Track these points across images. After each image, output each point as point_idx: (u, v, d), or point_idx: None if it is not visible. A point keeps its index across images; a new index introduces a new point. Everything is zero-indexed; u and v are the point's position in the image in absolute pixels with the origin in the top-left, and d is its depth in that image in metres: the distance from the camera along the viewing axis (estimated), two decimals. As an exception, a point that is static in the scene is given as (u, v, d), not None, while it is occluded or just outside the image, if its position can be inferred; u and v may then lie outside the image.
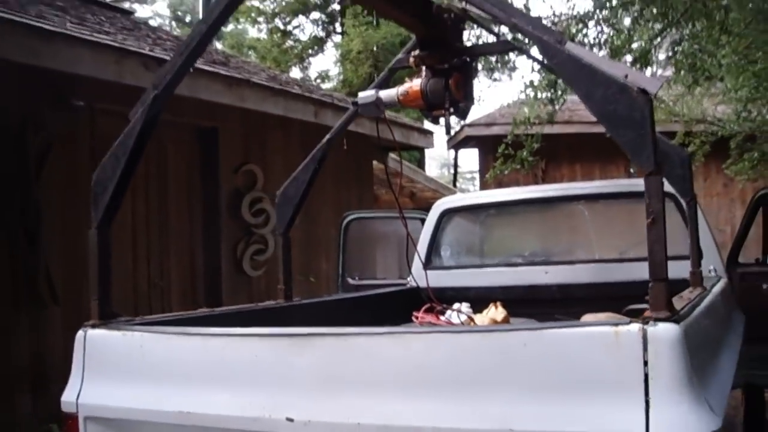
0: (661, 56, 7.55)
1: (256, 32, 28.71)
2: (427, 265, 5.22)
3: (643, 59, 6.31)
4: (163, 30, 11.45)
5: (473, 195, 6.14)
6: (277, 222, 3.98)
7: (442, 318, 4.23)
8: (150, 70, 6.22)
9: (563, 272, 4.81)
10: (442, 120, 3.32)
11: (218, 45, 29.28)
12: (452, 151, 19.76)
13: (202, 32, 2.65)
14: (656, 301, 1.92)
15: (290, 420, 2.21)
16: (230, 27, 28.52)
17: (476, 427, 1.97)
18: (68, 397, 2.75)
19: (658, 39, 6.48)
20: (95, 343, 2.75)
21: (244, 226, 8.10)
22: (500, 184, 15.10)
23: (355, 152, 9.23)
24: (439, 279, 5.07)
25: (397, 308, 4.38)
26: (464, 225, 5.43)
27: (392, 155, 12.88)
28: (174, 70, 2.70)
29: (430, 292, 4.04)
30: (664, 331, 1.85)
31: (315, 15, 27.57)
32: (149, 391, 2.52)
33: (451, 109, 3.24)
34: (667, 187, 4.37)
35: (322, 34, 28.24)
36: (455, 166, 21.46)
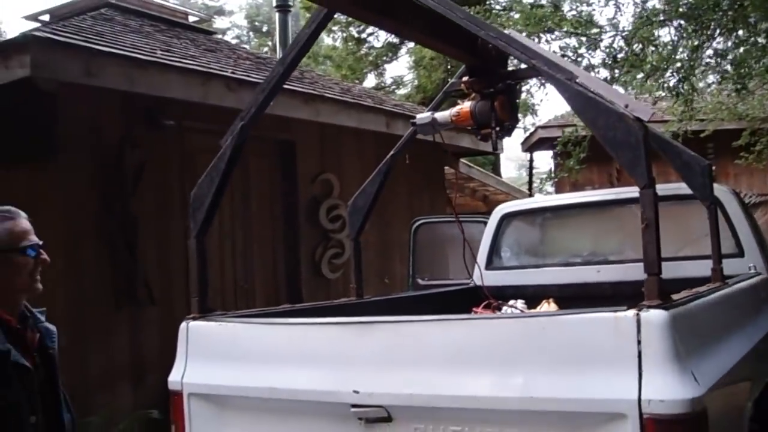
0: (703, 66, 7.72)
1: (331, 41, 29.40)
2: (489, 265, 5.65)
3: (687, 71, 6.57)
4: (242, 48, 12.13)
5: (531, 200, 6.52)
6: (349, 229, 4.49)
7: (498, 313, 4.66)
8: (232, 91, 6.82)
9: (614, 271, 5.14)
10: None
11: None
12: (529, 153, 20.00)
13: (280, 73, 3.18)
14: (650, 292, 2.35)
15: (356, 392, 2.70)
16: (306, 37, 29.11)
17: (505, 395, 2.42)
18: (174, 377, 3.30)
19: (699, 51, 6.73)
20: (196, 332, 3.30)
21: (321, 232, 8.60)
22: (575, 185, 15.28)
23: (427, 159, 9.67)
24: (499, 278, 5.50)
25: (459, 305, 4.81)
26: (522, 228, 5.83)
27: (463, 161, 13.29)
28: (257, 104, 3.23)
29: (485, 290, 4.47)
30: (654, 317, 2.27)
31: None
32: (241, 371, 3.05)
33: (497, 128, 3.67)
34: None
35: (395, 40, 28.68)
36: (530, 168, 21.59)
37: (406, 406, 2.62)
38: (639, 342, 2.25)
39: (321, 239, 8.61)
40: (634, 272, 5.10)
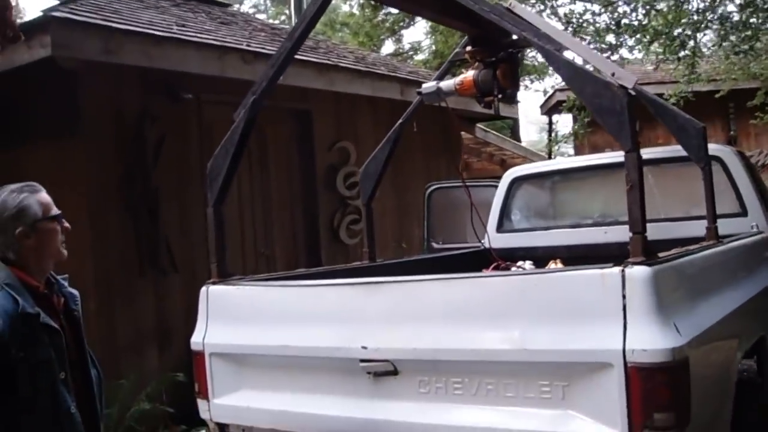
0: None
1: (348, 8, 29.29)
2: (499, 228, 5.81)
3: (689, 35, 6.60)
4: (257, 20, 12.22)
5: (540, 164, 6.64)
6: (361, 194, 4.67)
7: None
8: (248, 64, 6.96)
9: (621, 232, 5.24)
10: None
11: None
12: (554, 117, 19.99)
13: (288, 48, 3.33)
14: (635, 250, 2.51)
15: (364, 348, 2.89)
16: (322, 5, 29.04)
17: (501, 348, 2.60)
18: (196, 338, 3.52)
19: (704, 14, 6.76)
20: (215, 296, 3.50)
21: (339, 199, 8.74)
22: (594, 147, 15.30)
23: (444, 124, 9.77)
24: (510, 240, 5.67)
25: (469, 267, 4.98)
26: (532, 191, 5.97)
27: (479, 125, 13.37)
28: (268, 78, 3.39)
29: (492, 251, 4.63)
30: (638, 273, 2.44)
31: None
32: (258, 331, 3.26)
33: (500, 96, 3.81)
34: (715, 150, 4.83)
35: (412, 6, 28.43)
36: (549, 131, 21.59)
37: (410, 360, 2.81)
38: (624, 296, 2.41)
39: (339, 206, 8.76)
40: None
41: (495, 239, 5.84)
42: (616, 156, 6.00)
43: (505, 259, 5.25)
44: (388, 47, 27.81)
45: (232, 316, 3.43)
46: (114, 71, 6.21)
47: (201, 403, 3.52)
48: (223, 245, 3.63)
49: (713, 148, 5.07)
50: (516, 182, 5.84)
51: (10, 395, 2.51)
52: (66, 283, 2.89)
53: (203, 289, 3.56)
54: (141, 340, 6.58)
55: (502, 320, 2.63)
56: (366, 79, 8.72)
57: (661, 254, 2.71)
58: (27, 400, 2.53)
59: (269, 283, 3.48)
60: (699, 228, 4.23)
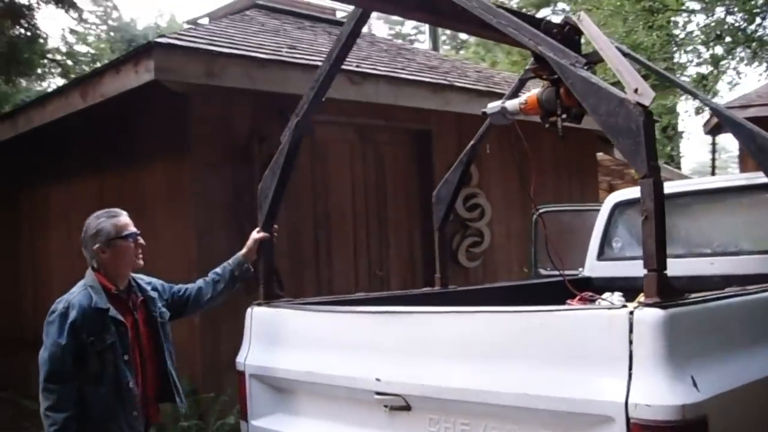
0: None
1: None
2: (600, 256, 5.47)
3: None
4: (385, 40, 12.20)
5: (645, 188, 6.19)
6: (434, 219, 4.52)
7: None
8: (355, 84, 6.96)
9: (729, 263, 4.83)
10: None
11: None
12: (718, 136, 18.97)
13: (326, 70, 3.28)
14: (649, 289, 2.23)
15: (378, 380, 2.76)
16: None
17: (502, 390, 2.39)
18: (240, 358, 3.54)
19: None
20: (258, 317, 3.51)
21: (459, 220, 8.57)
22: (757, 167, 14.30)
23: (577, 144, 9.38)
24: (610, 269, 5.32)
25: (555, 297, 4.69)
26: (634, 217, 5.57)
27: (619, 147, 12.82)
28: (308, 100, 3.36)
29: (566, 282, 4.32)
30: (649, 316, 2.15)
31: (560, 5, 27.49)
32: (288, 355, 3.22)
33: (563, 115, 3.55)
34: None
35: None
36: (713, 152, 20.50)
37: (419, 396, 2.65)
38: (631, 342, 2.14)
39: (459, 228, 8.59)
40: (750, 265, 4.79)
41: (595, 267, 5.50)
42: (731, 179, 5.53)
43: (602, 290, 4.91)
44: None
45: (270, 339, 3.41)
46: (223, 92, 6.38)
47: (242, 425, 3.51)
48: (271, 267, 3.62)
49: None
50: (618, 207, 5.48)
51: (82, 370, 3.18)
52: (148, 288, 3.54)
53: (248, 310, 3.56)
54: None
55: (506, 360, 2.42)
56: (484, 99, 8.46)
57: (694, 295, 2.40)
58: (95, 374, 3.20)
59: (304, 307, 3.42)
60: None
